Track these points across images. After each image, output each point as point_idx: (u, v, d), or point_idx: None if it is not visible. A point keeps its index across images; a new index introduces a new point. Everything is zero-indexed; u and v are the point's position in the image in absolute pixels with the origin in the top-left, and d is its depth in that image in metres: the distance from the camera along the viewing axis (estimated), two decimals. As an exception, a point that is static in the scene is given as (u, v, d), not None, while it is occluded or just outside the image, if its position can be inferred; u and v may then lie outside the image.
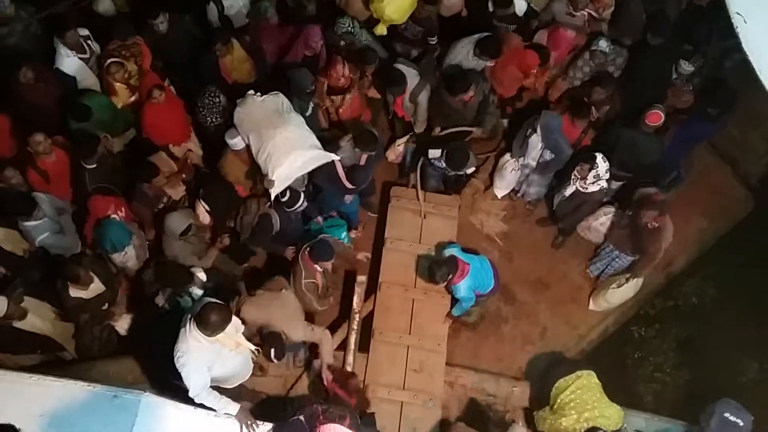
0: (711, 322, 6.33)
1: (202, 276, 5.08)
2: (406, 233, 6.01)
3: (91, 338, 5.37)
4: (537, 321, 6.19)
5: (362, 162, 5.64)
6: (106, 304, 5.35)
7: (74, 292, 5.04)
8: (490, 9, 6.26)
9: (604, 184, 5.66)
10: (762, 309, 6.06)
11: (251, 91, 5.50)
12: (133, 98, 6.08)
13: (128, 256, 5.36)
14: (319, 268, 5.16)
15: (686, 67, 6.09)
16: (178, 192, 5.84)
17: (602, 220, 5.91)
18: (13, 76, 5.80)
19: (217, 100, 5.80)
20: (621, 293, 5.97)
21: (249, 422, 4.33)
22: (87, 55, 6.07)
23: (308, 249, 5.08)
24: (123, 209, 5.50)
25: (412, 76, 5.96)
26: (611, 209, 5.86)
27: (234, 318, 4.32)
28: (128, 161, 6.01)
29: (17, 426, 2.74)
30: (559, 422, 4.97)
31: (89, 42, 6.12)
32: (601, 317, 6.24)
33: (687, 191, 6.45)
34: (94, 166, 5.51)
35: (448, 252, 5.40)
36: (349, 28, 6.24)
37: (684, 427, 5.23)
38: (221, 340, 4.26)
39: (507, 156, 6.26)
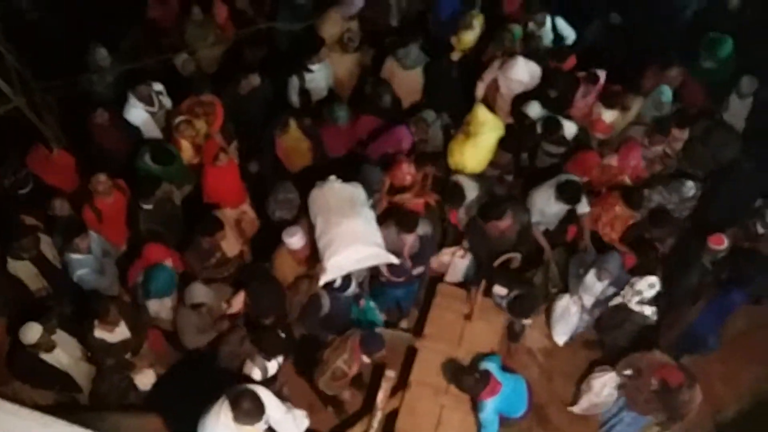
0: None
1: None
2: (446, 334, 5.74)
3: (110, 386, 5.20)
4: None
5: (407, 249, 5.45)
6: (130, 353, 5.22)
7: (99, 333, 4.97)
8: (539, 131, 6.22)
9: (647, 311, 5.49)
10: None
11: (333, 176, 5.50)
12: (196, 159, 6.19)
13: (163, 307, 5.27)
14: (365, 359, 4.95)
15: None
16: (233, 249, 5.76)
17: (596, 390, 5.57)
18: (89, 117, 6.05)
19: (291, 196, 5.79)
20: None
21: None
22: (155, 109, 6.29)
23: (360, 337, 4.89)
24: (173, 259, 5.45)
25: (470, 189, 5.89)
26: (603, 375, 5.51)
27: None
28: (186, 212, 6.05)
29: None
30: None
31: (161, 97, 6.35)
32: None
33: (746, 336, 6.10)
34: (151, 207, 5.59)
35: (485, 365, 5.09)
36: (431, 120, 6.30)
37: None
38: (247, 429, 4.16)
39: (566, 298, 5.95)
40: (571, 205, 5.77)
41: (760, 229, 6.01)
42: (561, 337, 6.15)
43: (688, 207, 6.13)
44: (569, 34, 7.17)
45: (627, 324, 5.64)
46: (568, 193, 5.71)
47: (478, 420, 5.09)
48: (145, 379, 5.30)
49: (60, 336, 4.93)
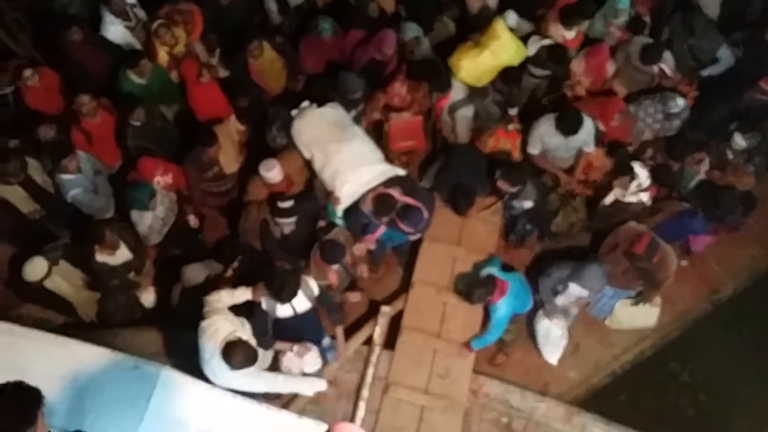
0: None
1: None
2: (446, 234, 5.80)
3: (116, 305, 5.28)
4: (569, 336, 5.87)
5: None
6: (133, 273, 5.30)
7: (101, 257, 5.00)
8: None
9: (644, 198, 5.50)
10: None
11: (306, 102, 5.33)
12: (172, 72, 6.04)
13: (141, 220, 5.23)
14: (333, 268, 4.97)
15: (740, 141, 5.76)
16: (231, 165, 5.66)
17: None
18: (63, 36, 5.81)
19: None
20: (632, 313, 5.76)
21: None
22: (132, 23, 6.07)
23: (318, 250, 4.87)
24: (171, 174, 5.39)
25: (457, 89, 5.76)
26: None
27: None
28: (182, 127, 5.98)
29: (38, 386, 2.66)
30: None
31: (135, 10, 6.12)
32: (638, 339, 5.97)
33: (740, 218, 6.12)
34: (139, 124, 5.49)
35: (487, 270, 5.14)
36: (417, 33, 6.07)
37: None
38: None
39: (545, 321, 5.60)
40: (567, 136, 5.49)
41: (730, 155, 5.85)
42: (553, 357, 5.77)
43: (673, 127, 5.96)
44: None
45: (620, 213, 5.61)
46: (564, 124, 5.44)
47: (490, 321, 5.10)
48: (150, 297, 5.40)
49: (62, 266, 4.98)
